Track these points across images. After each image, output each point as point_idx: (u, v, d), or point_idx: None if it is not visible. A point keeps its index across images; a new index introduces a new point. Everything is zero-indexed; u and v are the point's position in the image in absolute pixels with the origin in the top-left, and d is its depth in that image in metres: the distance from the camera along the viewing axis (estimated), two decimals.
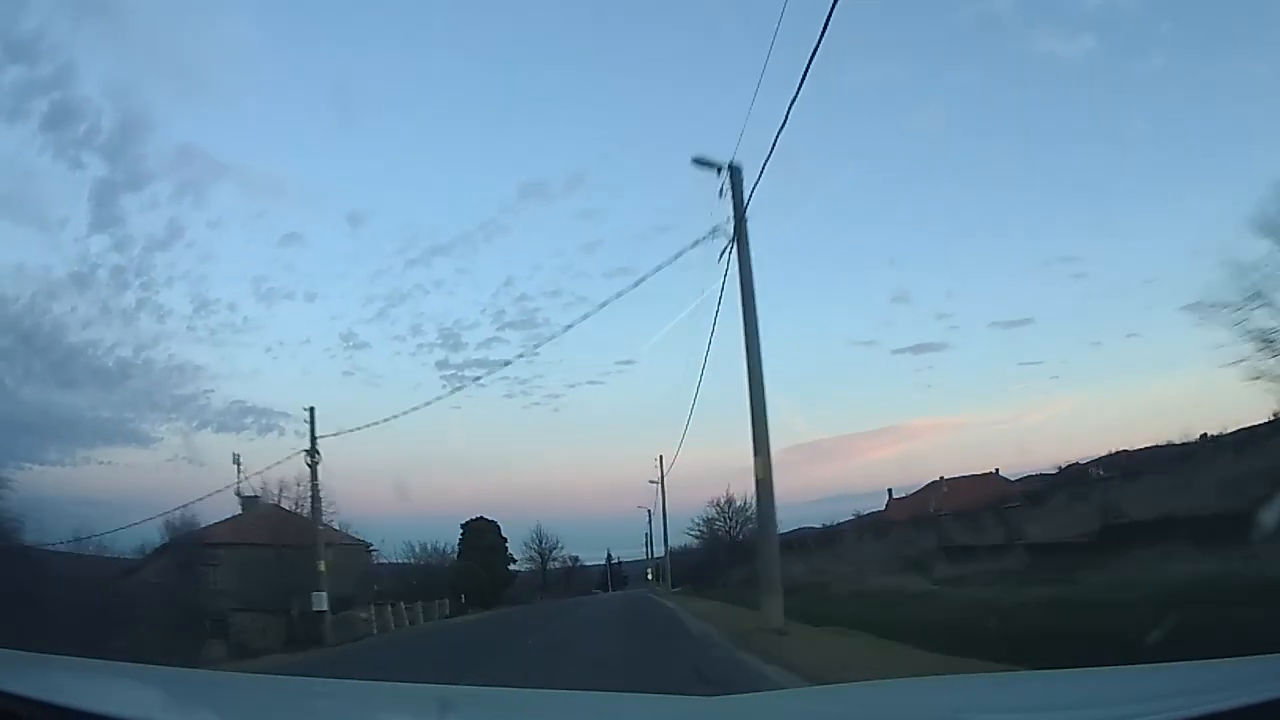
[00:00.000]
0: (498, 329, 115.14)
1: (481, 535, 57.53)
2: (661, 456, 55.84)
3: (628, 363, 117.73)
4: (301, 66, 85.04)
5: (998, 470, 50.64)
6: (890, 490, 58.36)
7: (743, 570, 47.76)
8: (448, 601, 47.53)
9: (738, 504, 63.09)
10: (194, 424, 54.74)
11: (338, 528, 48.54)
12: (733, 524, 63.39)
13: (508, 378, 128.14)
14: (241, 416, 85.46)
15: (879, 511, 58.74)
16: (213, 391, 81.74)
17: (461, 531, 58.61)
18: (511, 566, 63.58)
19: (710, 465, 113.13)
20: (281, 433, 61.00)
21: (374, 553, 50.73)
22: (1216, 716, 1.33)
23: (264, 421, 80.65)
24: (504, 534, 60.59)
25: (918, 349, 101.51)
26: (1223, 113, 56.83)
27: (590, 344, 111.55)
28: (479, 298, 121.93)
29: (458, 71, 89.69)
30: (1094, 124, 64.90)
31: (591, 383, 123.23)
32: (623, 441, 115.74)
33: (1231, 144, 59.06)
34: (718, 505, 63.47)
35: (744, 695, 3.58)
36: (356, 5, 79.17)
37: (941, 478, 52.33)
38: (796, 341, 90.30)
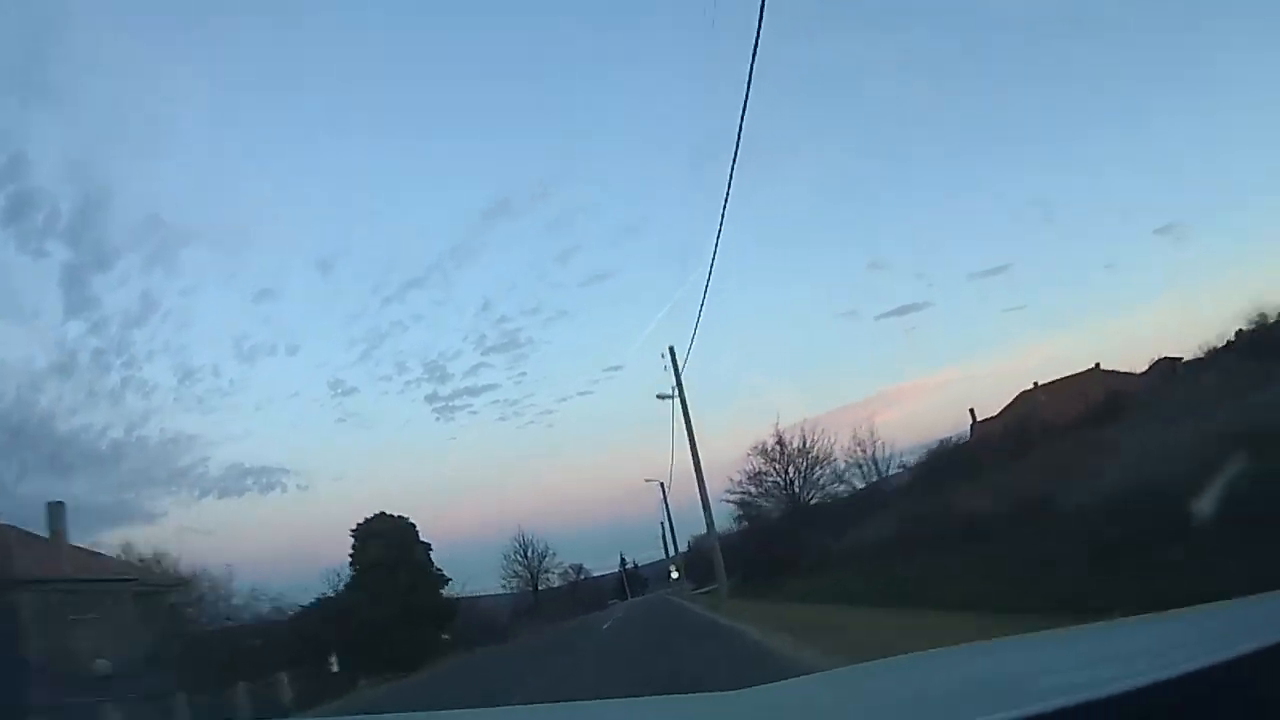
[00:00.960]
0: (481, 354, 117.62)
1: (382, 544, 33.86)
2: (672, 348, 32.55)
3: (616, 368, 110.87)
4: (248, 118, 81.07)
5: (1099, 364, 41.25)
6: (973, 412, 44.77)
7: (831, 546, 24.81)
8: (285, 679, 23.79)
9: (794, 447, 40.04)
10: (195, 493, 56.61)
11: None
12: (792, 475, 40.17)
13: (498, 400, 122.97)
14: (241, 479, 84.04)
15: (963, 444, 39.64)
16: (209, 459, 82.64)
17: (353, 544, 34.94)
18: (447, 590, 39.61)
19: (719, 454, 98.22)
20: (284, 489, 63.17)
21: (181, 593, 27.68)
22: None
23: (264, 480, 79.97)
24: (424, 538, 36.76)
25: (900, 311, 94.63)
26: (1180, 37, 53.71)
27: (575, 354, 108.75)
28: (459, 325, 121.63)
29: (409, 100, 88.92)
30: (1051, 61, 62.81)
31: (582, 393, 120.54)
32: (621, 447, 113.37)
33: (1191, 65, 55.43)
34: (764, 452, 40.36)
35: (791, 680, 2.59)
36: (295, 48, 77.16)
37: (1036, 384, 42.33)
38: (779, 323, 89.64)
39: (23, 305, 68.91)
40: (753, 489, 40.81)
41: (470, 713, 4.14)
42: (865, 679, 2.39)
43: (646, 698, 4.02)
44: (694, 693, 3.07)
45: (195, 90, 77.47)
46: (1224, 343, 28.61)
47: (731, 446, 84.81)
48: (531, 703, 9.77)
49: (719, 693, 2.55)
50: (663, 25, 68.95)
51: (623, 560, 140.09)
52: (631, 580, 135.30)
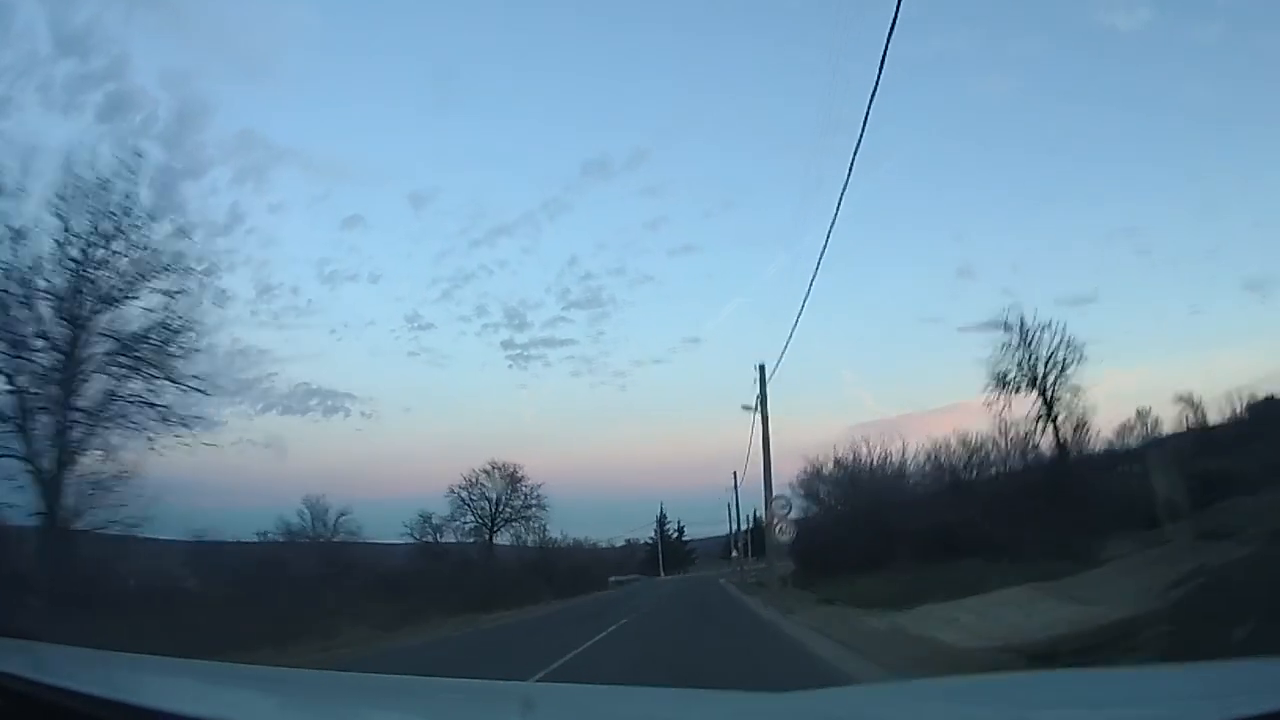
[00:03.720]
0: (563, 308, 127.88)
1: None
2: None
3: (694, 340, 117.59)
4: (360, 48, 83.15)
5: None
6: None
7: None
8: None
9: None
10: (259, 407, 52.11)
11: None
12: None
13: (574, 356, 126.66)
14: (306, 399, 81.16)
15: None
16: (277, 375, 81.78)
17: None
18: None
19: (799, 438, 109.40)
20: (347, 414, 62.16)
21: None
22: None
23: (329, 403, 79.73)
24: None
25: (983, 326, 61.31)
26: None
27: (656, 321, 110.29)
28: (543, 277, 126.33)
29: (517, 50, 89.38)
30: (1155, 95, 60.40)
31: (658, 361, 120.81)
32: (691, 421, 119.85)
33: None
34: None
35: (811, 691, 3.00)
36: None
37: None
38: (864, 318, 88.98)
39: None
40: None
41: (493, 684, 4.36)
42: (904, 695, 2.60)
43: (685, 690, 3.91)
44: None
45: (303, 14, 78.08)
46: None
47: (808, 429, 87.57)
48: None
49: (754, 692, 2.68)
50: (769, 17, 70.87)
51: (661, 520, 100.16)
52: (672, 553, 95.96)
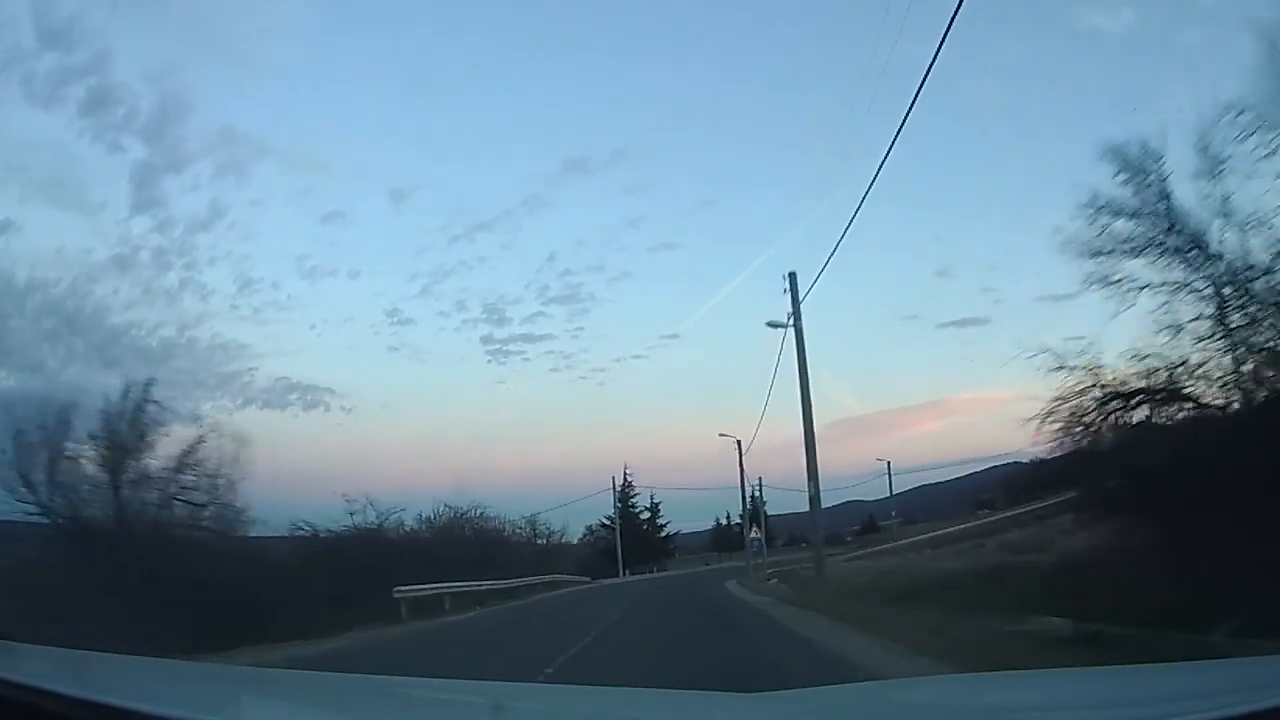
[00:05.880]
0: (542, 304, 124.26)
1: None
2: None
3: (673, 336, 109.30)
4: (341, 45, 76.35)
5: None
6: None
7: None
8: None
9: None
10: (238, 401, 53.43)
11: None
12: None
13: (553, 351, 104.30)
14: (286, 393, 76.13)
15: None
16: (257, 369, 77.11)
17: None
18: None
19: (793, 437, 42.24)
20: (328, 409, 70.23)
21: None
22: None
23: (309, 398, 76.78)
24: None
25: (962, 323, 75.60)
26: None
27: (635, 317, 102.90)
28: (523, 273, 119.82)
29: (499, 47, 77.53)
30: (1136, 95, 59.43)
31: (637, 357, 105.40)
32: (670, 417, 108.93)
33: None
34: None
35: (800, 690, 3.16)
36: None
37: None
38: (842, 315, 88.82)
39: (90, 196, 70.08)
40: None
41: (508, 685, 4.35)
42: (907, 691, 2.63)
43: (661, 690, 3.87)
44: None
45: (285, 10, 75.64)
46: None
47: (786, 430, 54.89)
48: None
49: (735, 693, 2.58)
50: (756, 19, 78.36)
51: (624, 492, 70.97)
52: (641, 542, 68.54)
